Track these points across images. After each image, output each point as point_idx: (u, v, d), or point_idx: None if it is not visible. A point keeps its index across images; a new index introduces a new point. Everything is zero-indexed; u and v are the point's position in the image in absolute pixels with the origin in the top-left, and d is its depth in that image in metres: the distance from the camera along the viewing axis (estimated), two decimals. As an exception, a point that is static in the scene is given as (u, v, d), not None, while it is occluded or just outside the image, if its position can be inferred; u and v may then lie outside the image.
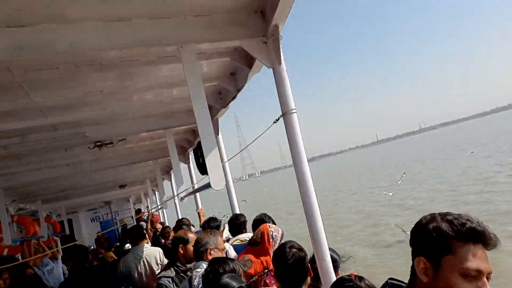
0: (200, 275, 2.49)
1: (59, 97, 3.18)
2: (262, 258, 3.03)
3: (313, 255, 2.46)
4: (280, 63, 2.56)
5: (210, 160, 2.38)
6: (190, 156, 6.51)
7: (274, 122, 2.72)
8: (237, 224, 4.07)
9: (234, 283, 1.88)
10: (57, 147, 4.36)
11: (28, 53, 2.03)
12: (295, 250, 2.32)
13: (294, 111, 2.54)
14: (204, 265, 2.72)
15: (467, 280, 1.07)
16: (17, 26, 1.99)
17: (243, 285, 1.87)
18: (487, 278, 1.08)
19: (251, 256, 3.05)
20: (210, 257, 2.79)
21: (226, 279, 1.95)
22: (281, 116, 2.58)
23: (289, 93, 2.56)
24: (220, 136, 4.52)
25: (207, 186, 2.52)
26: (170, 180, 8.40)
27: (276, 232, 3.11)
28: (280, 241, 3.08)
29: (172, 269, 3.36)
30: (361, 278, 1.74)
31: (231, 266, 2.14)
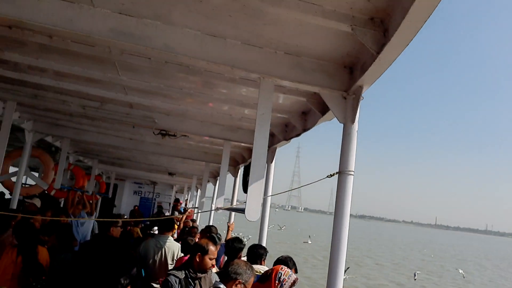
0: None
1: (143, 82, 3.44)
2: None
3: None
4: (353, 122, 2.50)
5: (253, 190, 2.39)
6: (240, 171, 6.61)
7: (328, 176, 2.65)
8: (255, 254, 4.01)
9: None
10: (127, 122, 4.70)
11: (127, 40, 2.23)
12: None
13: (352, 172, 2.45)
14: None
15: None
16: (126, 15, 2.21)
17: None
18: None
19: None
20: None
21: None
22: (337, 173, 2.51)
23: (353, 154, 2.48)
24: (273, 164, 4.53)
25: (242, 211, 2.52)
26: (214, 185, 8.59)
27: (286, 277, 2.98)
28: (289, 286, 2.93)
29: (183, 271, 3.38)
30: None
31: None
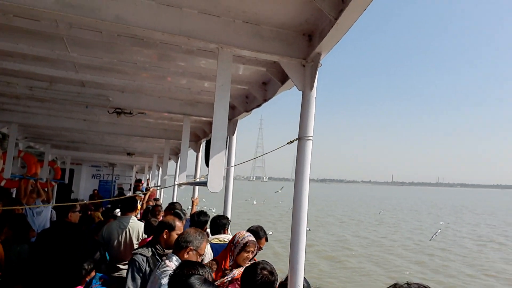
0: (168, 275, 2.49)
1: (94, 57, 3.25)
2: (223, 260, 3.06)
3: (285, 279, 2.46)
4: (312, 88, 2.54)
5: (214, 162, 2.39)
6: (202, 146, 6.56)
7: (288, 143, 2.71)
8: (218, 224, 4.11)
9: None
10: (79, 102, 4.45)
11: (75, 12, 2.08)
12: (266, 272, 2.31)
13: (311, 138, 2.52)
14: (175, 259, 2.75)
15: None
16: (72, -15, 2.05)
17: None
18: None
19: (218, 259, 3.11)
20: (186, 256, 2.80)
21: (201, 286, 1.80)
22: (296, 139, 2.57)
23: (312, 120, 2.53)
24: (235, 136, 4.54)
25: (204, 184, 2.53)
26: (176, 162, 8.48)
27: (240, 239, 3.08)
28: (242, 248, 3.02)
29: (150, 249, 3.37)
30: None
31: (201, 273, 2.10)
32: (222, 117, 2.40)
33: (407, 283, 1.18)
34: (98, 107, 4.69)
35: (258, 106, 3.81)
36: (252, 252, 3.02)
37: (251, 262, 3.04)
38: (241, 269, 2.88)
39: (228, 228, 4.21)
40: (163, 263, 2.79)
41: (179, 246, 2.84)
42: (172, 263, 2.71)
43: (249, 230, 3.69)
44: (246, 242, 3.03)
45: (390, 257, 17.25)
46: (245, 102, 4.14)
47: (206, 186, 2.46)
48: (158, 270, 2.73)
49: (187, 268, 2.13)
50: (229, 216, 4.45)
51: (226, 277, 2.87)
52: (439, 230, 20.11)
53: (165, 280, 2.53)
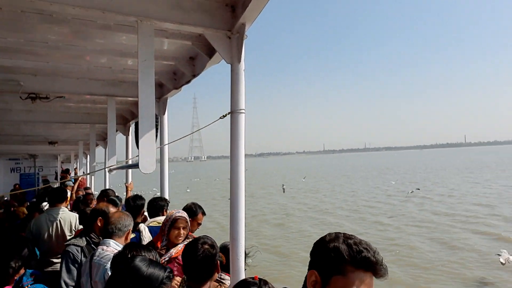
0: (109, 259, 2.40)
1: (-4, 38, 2.89)
2: (158, 241, 3.06)
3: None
4: (239, 61, 2.54)
5: (144, 142, 2.31)
6: (131, 128, 6.27)
7: (220, 118, 2.70)
8: (156, 207, 4.03)
9: (157, 271, 1.62)
10: (-16, 89, 3.97)
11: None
12: (207, 246, 2.33)
13: (243, 111, 2.53)
14: (112, 243, 2.67)
15: None
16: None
17: (170, 274, 1.68)
18: None
19: (154, 240, 3.10)
20: (128, 240, 2.75)
21: (148, 268, 1.64)
22: (229, 113, 2.56)
23: (242, 93, 2.54)
24: (166, 116, 4.40)
25: (136, 166, 2.45)
26: (105, 148, 8.03)
27: (169, 216, 3.10)
28: (171, 225, 3.02)
29: (84, 238, 3.22)
30: (265, 282, 1.77)
31: (147, 255, 2.05)
32: (148, 94, 2.30)
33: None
34: (9, 94, 4.21)
35: (188, 82, 3.71)
36: (184, 228, 3.01)
37: (189, 239, 3.05)
38: (179, 247, 2.87)
39: (166, 209, 4.13)
40: (99, 250, 2.68)
41: (119, 231, 2.77)
42: (111, 248, 2.62)
43: (183, 209, 3.67)
44: (175, 219, 3.03)
45: (328, 218, 18.49)
46: (173, 79, 4.00)
47: (138, 167, 2.38)
48: (96, 257, 2.62)
49: (133, 250, 2.07)
50: (167, 197, 4.37)
51: (163, 257, 2.84)
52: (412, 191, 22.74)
53: (109, 265, 2.45)
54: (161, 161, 4.32)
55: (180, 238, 2.99)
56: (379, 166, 69.86)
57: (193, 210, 3.74)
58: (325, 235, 1.26)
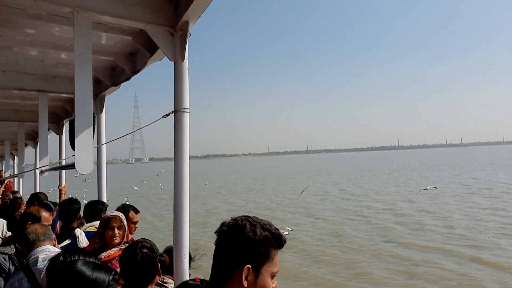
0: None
1: None
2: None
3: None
4: (183, 59, 2.48)
5: (80, 141, 2.18)
6: (65, 127, 5.87)
7: (163, 116, 2.63)
8: (93, 210, 3.84)
9: (102, 274, 1.50)
10: None
11: None
12: (145, 250, 2.27)
13: (187, 110, 2.48)
14: (47, 248, 2.53)
15: (272, 282, 1.23)
16: None
17: (115, 276, 1.56)
18: None
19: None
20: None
21: (93, 272, 1.51)
22: (172, 112, 2.50)
23: (186, 91, 2.49)
24: (103, 114, 4.18)
25: (72, 166, 2.30)
26: (35, 148, 7.44)
27: (102, 217, 3.01)
28: (105, 225, 2.93)
29: (13, 245, 2.97)
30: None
31: (88, 258, 1.92)
32: (85, 91, 2.18)
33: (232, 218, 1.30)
34: None
35: (127, 79, 3.55)
36: (119, 228, 2.91)
37: (127, 242, 2.93)
38: (111, 251, 2.75)
39: (105, 213, 3.93)
40: (33, 256, 2.49)
41: (47, 239, 2.61)
42: (45, 253, 2.46)
43: (117, 209, 3.55)
44: (108, 218, 2.94)
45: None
46: (112, 75, 3.80)
47: (74, 168, 2.24)
48: (40, 264, 2.43)
49: (73, 255, 1.92)
50: (104, 200, 4.15)
51: None
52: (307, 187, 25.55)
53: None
54: (98, 162, 4.09)
55: (116, 238, 2.88)
56: (315, 169, 73.10)
57: (121, 211, 3.62)
58: (242, 226, 1.23)
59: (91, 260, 1.87)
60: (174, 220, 2.42)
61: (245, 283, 1.20)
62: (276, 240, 1.24)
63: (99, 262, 2.05)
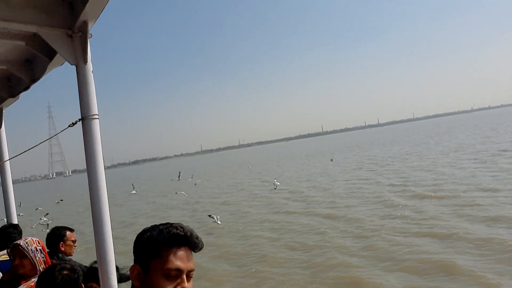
0: None
1: None
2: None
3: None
4: (86, 62, 2.32)
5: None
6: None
7: (69, 126, 2.44)
8: (6, 236, 3.49)
9: None
10: None
11: None
12: (65, 272, 2.11)
13: (96, 116, 2.32)
14: None
15: (169, 280, 1.20)
16: None
17: None
18: (188, 276, 1.24)
19: None
20: None
21: None
22: (79, 120, 2.33)
23: (93, 96, 2.33)
24: (3, 129, 3.77)
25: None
26: None
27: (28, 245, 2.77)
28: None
29: None
30: None
31: None
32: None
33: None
34: None
35: (26, 88, 3.23)
36: (22, 257, 2.67)
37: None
38: (31, 283, 2.49)
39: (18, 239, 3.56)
40: None
41: None
42: None
43: (47, 237, 3.28)
44: (11, 248, 2.73)
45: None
46: (8, 86, 3.43)
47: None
48: None
49: None
50: (15, 222, 3.76)
51: None
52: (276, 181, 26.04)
53: None
54: (2, 181, 3.69)
55: (20, 268, 2.64)
56: (246, 161, 75.36)
57: (57, 234, 3.38)
58: (143, 229, 1.30)
59: None
60: (95, 235, 2.26)
61: (135, 282, 1.24)
62: (162, 237, 1.23)
63: None
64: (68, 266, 2.16)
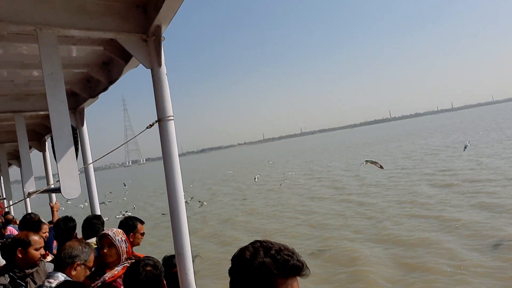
0: None
1: None
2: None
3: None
4: (160, 65, 2.36)
5: (63, 164, 2.06)
6: (47, 143, 5.69)
7: (147, 127, 2.52)
8: (90, 226, 3.75)
9: None
10: None
11: None
12: (149, 268, 2.20)
13: (171, 118, 2.37)
14: (61, 276, 2.44)
15: None
16: None
17: None
18: None
19: None
20: (74, 273, 2.54)
21: None
22: (156, 121, 2.39)
23: (168, 98, 2.38)
24: (85, 127, 4.04)
25: (58, 191, 2.19)
26: (20, 167, 7.26)
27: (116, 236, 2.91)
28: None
29: (6, 275, 2.89)
30: None
31: None
32: (60, 109, 2.05)
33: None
34: None
35: (105, 89, 3.40)
36: (110, 246, 2.83)
37: (130, 258, 2.85)
38: (115, 271, 2.67)
39: (103, 229, 3.83)
40: (46, 283, 2.41)
41: (64, 263, 2.55)
42: (59, 281, 2.39)
43: (119, 225, 3.45)
44: (99, 237, 2.91)
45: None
46: (88, 87, 3.64)
47: (60, 192, 2.13)
48: None
49: None
50: (98, 213, 4.05)
51: (96, 283, 2.63)
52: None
53: None
54: (87, 177, 3.97)
55: (108, 257, 2.81)
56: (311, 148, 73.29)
57: (130, 224, 3.54)
58: (244, 251, 1.19)
59: None
60: (173, 231, 2.33)
61: None
62: (279, 268, 1.12)
63: None
64: (151, 263, 2.26)
